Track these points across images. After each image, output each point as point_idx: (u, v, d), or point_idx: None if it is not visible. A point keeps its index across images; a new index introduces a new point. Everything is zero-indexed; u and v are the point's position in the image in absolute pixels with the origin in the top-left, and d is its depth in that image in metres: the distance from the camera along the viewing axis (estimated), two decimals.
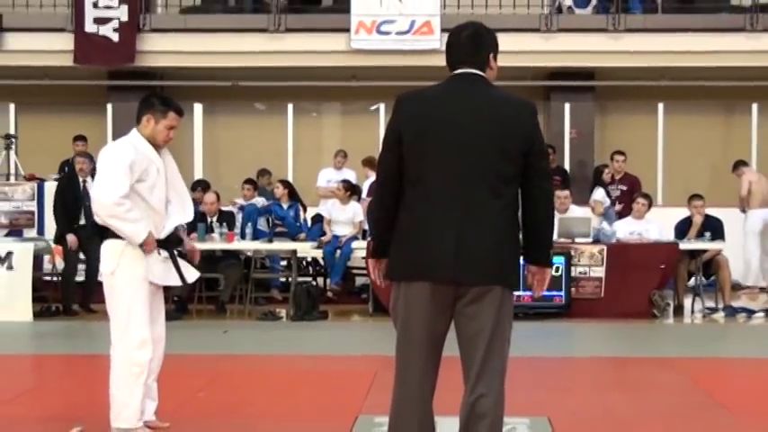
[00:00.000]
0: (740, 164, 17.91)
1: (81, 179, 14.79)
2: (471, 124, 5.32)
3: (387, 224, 5.45)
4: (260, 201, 16.99)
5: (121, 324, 6.99)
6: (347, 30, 18.23)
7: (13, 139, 17.93)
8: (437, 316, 5.33)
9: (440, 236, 5.27)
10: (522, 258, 5.46)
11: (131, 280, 6.96)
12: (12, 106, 20.73)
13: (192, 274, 7.27)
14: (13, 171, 17.45)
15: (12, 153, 17.59)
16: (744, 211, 17.41)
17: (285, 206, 16.40)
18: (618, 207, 16.68)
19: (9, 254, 14.12)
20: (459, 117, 5.34)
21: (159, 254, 7.06)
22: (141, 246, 6.92)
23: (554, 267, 13.86)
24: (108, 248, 7.05)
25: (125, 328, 6.97)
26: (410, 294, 5.35)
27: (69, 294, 14.55)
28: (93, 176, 16.14)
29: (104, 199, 6.91)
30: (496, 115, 5.37)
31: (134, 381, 6.96)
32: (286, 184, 16.96)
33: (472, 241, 5.25)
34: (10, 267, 14.07)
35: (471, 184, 5.28)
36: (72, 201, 14.60)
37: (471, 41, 5.51)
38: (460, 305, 5.32)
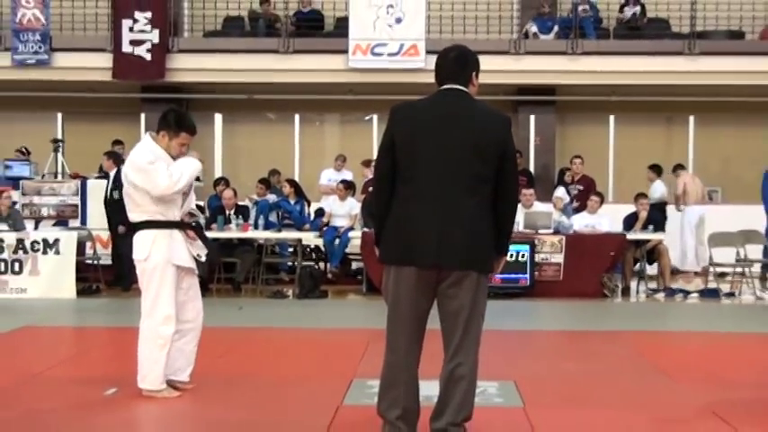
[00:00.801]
0: (678, 167, 17.92)
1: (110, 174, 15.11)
2: (454, 132, 5.35)
3: (384, 217, 5.49)
4: (271, 197, 16.99)
5: (150, 302, 7.01)
6: (346, 51, 18.22)
7: (61, 143, 17.89)
8: (422, 296, 5.38)
9: (425, 229, 5.31)
10: None
11: (160, 264, 6.98)
12: (59, 115, 20.72)
13: (202, 253, 7.24)
14: (60, 170, 17.42)
15: (59, 155, 17.56)
16: (678, 208, 17.40)
17: (292, 202, 16.41)
18: (576, 204, 16.70)
19: (56, 240, 14.12)
20: (444, 126, 5.37)
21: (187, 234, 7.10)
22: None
23: (520, 254, 13.90)
24: (141, 237, 7.05)
25: (153, 305, 7.00)
26: (399, 277, 5.40)
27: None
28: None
29: (164, 189, 6.89)
30: (476, 125, 5.40)
31: (158, 350, 6.99)
32: (292, 183, 16.96)
33: (452, 233, 5.30)
34: (57, 252, 14.06)
35: (453, 184, 5.33)
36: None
37: (457, 62, 5.53)
38: (443, 287, 5.36)
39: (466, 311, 5.38)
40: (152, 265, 6.98)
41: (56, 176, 17.19)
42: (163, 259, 6.96)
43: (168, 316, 6.98)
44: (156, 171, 6.87)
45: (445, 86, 5.51)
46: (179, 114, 7.30)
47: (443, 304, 5.42)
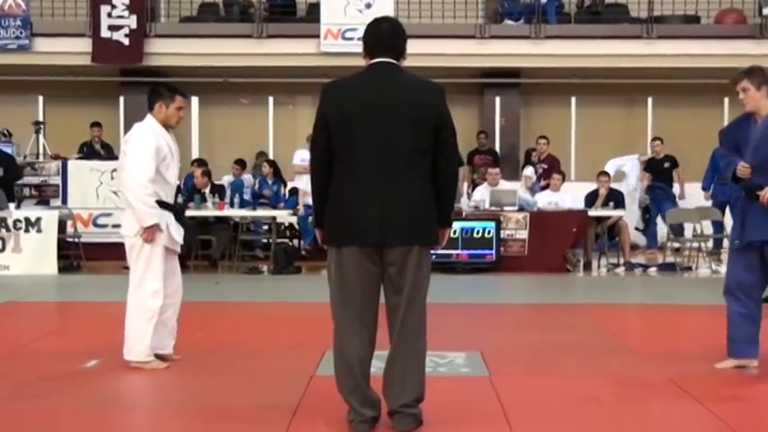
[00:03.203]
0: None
1: None
2: (388, 106, 5.15)
3: (322, 197, 5.27)
4: (246, 177, 17.05)
5: (139, 276, 7.02)
6: (317, 36, 18.16)
7: (42, 125, 17.81)
8: (366, 275, 5.18)
9: (365, 206, 5.12)
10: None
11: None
12: (40, 98, 20.53)
13: (181, 235, 7.24)
14: (41, 151, 17.34)
15: (41, 136, 17.49)
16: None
17: (270, 182, 16.43)
18: (542, 182, 16.79)
19: (38, 219, 14.09)
20: (378, 100, 5.17)
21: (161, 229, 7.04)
22: (145, 228, 6.91)
23: (486, 231, 13.93)
24: (130, 214, 7.06)
25: (141, 279, 7.00)
26: (342, 258, 5.20)
27: None
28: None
29: (134, 181, 6.91)
30: (410, 97, 5.20)
31: (146, 323, 6.99)
32: (272, 163, 16.97)
33: (393, 209, 5.11)
34: (39, 230, 14.03)
35: (390, 159, 5.13)
36: None
37: (392, 34, 5.34)
38: (386, 264, 5.18)
39: (408, 287, 5.18)
40: (140, 240, 6.96)
41: (37, 157, 17.11)
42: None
43: (156, 290, 6.99)
44: (146, 167, 6.89)
45: (377, 60, 5.29)
46: (166, 84, 7.48)
47: (386, 281, 5.23)
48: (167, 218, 7.04)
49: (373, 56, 5.31)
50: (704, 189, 16.59)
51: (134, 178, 6.91)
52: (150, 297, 6.98)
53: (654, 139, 18.03)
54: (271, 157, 19.18)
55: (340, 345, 5.31)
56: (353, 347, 5.25)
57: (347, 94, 5.27)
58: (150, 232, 6.91)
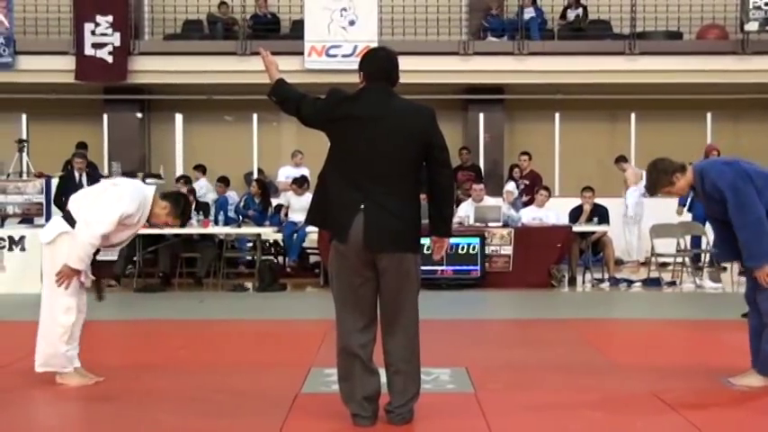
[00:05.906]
0: (621, 159, 18.04)
1: (77, 174, 15.36)
2: (384, 124, 5.50)
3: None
4: (231, 194, 17.07)
5: (52, 290, 6.96)
6: (301, 53, 18.22)
7: (25, 143, 17.79)
8: (359, 273, 5.50)
9: (353, 213, 5.44)
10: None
11: (64, 254, 6.89)
12: (24, 116, 20.53)
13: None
14: (25, 169, 17.31)
15: (24, 154, 17.46)
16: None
17: (257, 201, 16.46)
18: (524, 198, 16.85)
19: (22, 237, 14.06)
20: (379, 121, 5.51)
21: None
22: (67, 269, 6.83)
23: (471, 247, 13.95)
24: (53, 222, 7.11)
25: (55, 294, 6.94)
26: (340, 251, 5.54)
27: None
28: (89, 175, 16.14)
29: (94, 226, 6.77)
30: (403, 118, 5.57)
31: (58, 338, 7.00)
32: (261, 184, 16.98)
33: (380, 218, 5.43)
34: (23, 249, 14.00)
35: (381, 171, 5.47)
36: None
37: (388, 61, 5.70)
38: (378, 268, 5.50)
39: (394, 292, 5.52)
40: (57, 252, 6.90)
41: (21, 176, 17.08)
42: (62, 253, 6.89)
43: (69, 306, 6.96)
44: (108, 223, 6.78)
45: (374, 82, 5.64)
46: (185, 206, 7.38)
47: (379, 287, 5.55)
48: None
49: (371, 78, 5.66)
50: (681, 205, 16.62)
51: (95, 225, 6.78)
52: (62, 313, 6.96)
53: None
54: (254, 174, 19.20)
55: (339, 343, 5.63)
56: (352, 341, 5.57)
57: (349, 104, 5.62)
58: (70, 275, 6.83)
